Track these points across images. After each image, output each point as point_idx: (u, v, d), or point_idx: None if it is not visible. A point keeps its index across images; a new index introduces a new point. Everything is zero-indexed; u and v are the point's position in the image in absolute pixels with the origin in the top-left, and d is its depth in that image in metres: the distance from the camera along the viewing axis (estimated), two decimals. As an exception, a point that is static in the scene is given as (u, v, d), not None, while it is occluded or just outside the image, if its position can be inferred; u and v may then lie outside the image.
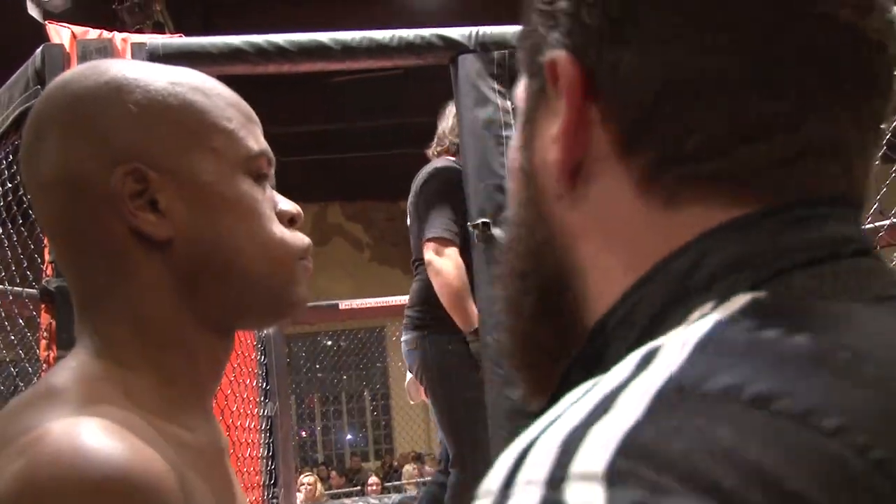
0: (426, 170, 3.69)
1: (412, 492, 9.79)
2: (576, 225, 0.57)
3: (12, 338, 3.42)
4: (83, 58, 2.79)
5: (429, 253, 3.47)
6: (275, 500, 4.20)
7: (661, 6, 0.51)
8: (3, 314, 3.50)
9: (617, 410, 0.38)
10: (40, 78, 2.83)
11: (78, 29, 2.93)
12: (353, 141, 12.11)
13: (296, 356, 14.17)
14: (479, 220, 2.86)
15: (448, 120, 3.76)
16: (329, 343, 15.42)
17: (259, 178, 0.92)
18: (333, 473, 13.84)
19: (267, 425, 4.27)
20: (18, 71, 2.99)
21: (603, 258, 0.56)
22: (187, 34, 3.21)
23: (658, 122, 0.52)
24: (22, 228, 3.29)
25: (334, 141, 12.04)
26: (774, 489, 0.33)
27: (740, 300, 0.45)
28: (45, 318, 2.77)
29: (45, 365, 2.75)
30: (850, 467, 0.35)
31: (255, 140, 0.93)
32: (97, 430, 0.70)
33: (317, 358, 15.38)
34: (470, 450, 3.45)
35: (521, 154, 0.62)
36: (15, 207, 3.26)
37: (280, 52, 2.96)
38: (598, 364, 0.51)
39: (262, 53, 2.95)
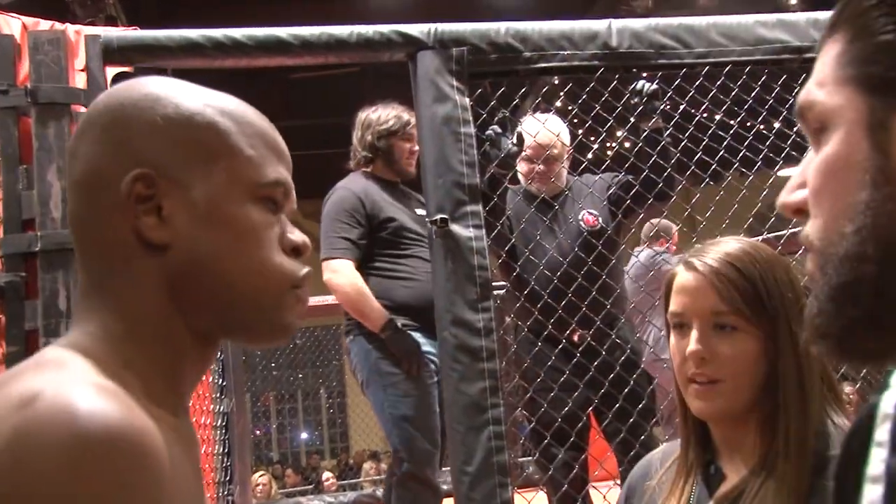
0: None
1: (369, 489, 9.88)
2: None
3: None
4: (34, 49, 2.76)
5: (326, 274, 3.57)
6: (230, 497, 4.18)
7: None
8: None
9: None
10: (-11, 70, 2.82)
11: (29, 20, 2.90)
12: (311, 138, 12.13)
13: (251, 353, 14.17)
14: (438, 217, 2.87)
15: (357, 130, 3.82)
16: (285, 340, 15.47)
17: (272, 206, 0.97)
18: (289, 471, 13.88)
19: (223, 422, 4.26)
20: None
21: None
22: (143, 28, 3.17)
23: None
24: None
25: (292, 138, 12.01)
26: None
27: None
28: (-6, 313, 2.74)
29: (-4, 360, 2.73)
30: None
31: (273, 169, 0.97)
32: (90, 390, 0.75)
33: (272, 355, 15.39)
34: (401, 444, 3.53)
35: (873, 157, 0.68)
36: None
37: (237, 47, 2.94)
38: None
39: (219, 47, 2.93)
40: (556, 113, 3.74)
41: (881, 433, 0.77)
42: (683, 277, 1.44)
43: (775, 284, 1.40)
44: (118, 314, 0.91)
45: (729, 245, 1.45)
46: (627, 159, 3.56)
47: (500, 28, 3.04)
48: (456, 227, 2.87)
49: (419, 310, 3.48)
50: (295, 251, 0.99)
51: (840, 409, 1.41)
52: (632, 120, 3.47)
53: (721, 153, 3.37)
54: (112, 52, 2.86)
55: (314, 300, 7.62)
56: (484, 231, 2.92)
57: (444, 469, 3.85)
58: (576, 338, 3.46)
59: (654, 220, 5.54)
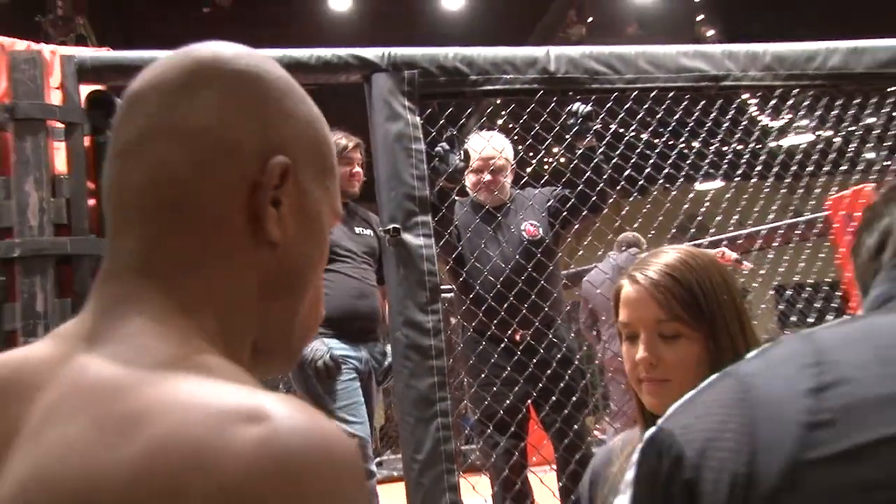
0: None
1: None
2: None
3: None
4: (14, 68, 2.79)
5: None
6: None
7: None
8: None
9: None
10: (-33, 87, 2.84)
11: (6, 40, 2.91)
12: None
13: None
14: (391, 226, 2.93)
15: None
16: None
17: None
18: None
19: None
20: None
21: None
22: (112, 48, 3.25)
23: None
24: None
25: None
26: None
27: None
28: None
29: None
30: None
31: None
32: (302, 405, 0.65)
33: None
34: None
35: None
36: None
37: None
38: None
39: None
40: (500, 131, 3.81)
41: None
42: (628, 290, 1.53)
43: (711, 288, 1.48)
44: (205, 320, 0.75)
45: (668, 256, 1.52)
46: (564, 175, 3.66)
47: (448, 53, 3.11)
48: (407, 236, 2.93)
49: (336, 320, 3.51)
50: None
51: None
52: (568, 139, 3.53)
53: (647, 170, 3.46)
54: (86, 72, 2.90)
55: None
56: (433, 239, 2.99)
57: (395, 457, 3.95)
58: (517, 337, 3.52)
59: (634, 234, 5.71)
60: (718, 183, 4.64)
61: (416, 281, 2.94)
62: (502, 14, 9.50)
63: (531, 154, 3.85)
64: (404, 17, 9.50)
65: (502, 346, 3.49)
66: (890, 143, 3.85)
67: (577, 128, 3.47)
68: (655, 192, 3.70)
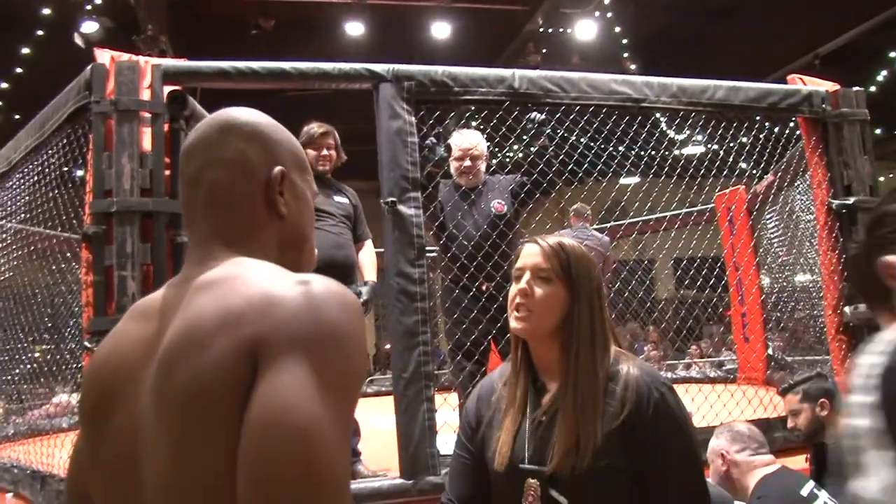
0: None
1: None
2: None
3: (63, 266, 3.47)
4: (118, 73, 2.87)
5: None
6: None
7: None
8: (58, 251, 3.57)
9: None
10: (88, 86, 2.91)
11: (115, 53, 2.99)
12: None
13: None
14: (389, 199, 2.99)
15: None
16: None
17: None
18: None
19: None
20: (73, 81, 3.07)
21: None
22: (186, 57, 3.29)
23: None
24: (71, 191, 3.37)
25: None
26: None
27: None
28: (84, 254, 2.87)
29: (84, 285, 2.85)
30: None
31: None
32: (327, 278, 0.88)
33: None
34: None
35: None
36: (67, 178, 3.33)
37: (254, 74, 3.06)
38: None
39: (241, 75, 3.05)
40: (475, 130, 3.80)
41: None
42: (527, 248, 1.63)
43: (579, 262, 1.58)
44: (254, 256, 0.98)
45: (560, 238, 1.64)
46: (523, 166, 3.73)
47: (438, 69, 3.17)
48: (402, 207, 2.99)
49: (319, 267, 3.46)
50: None
51: (617, 344, 1.60)
52: (526, 139, 3.57)
53: (585, 165, 3.55)
54: (168, 76, 2.97)
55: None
56: (421, 210, 3.04)
57: (385, 376, 3.97)
58: (483, 287, 3.52)
59: (581, 205, 5.75)
60: (637, 179, 4.74)
61: (407, 242, 2.99)
62: (478, 42, 9.54)
63: (497, 149, 3.87)
64: (403, 40, 9.48)
65: (471, 293, 3.51)
66: (755, 158, 3.99)
67: (533, 131, 3.49)
68: (591, 183, 3.76)
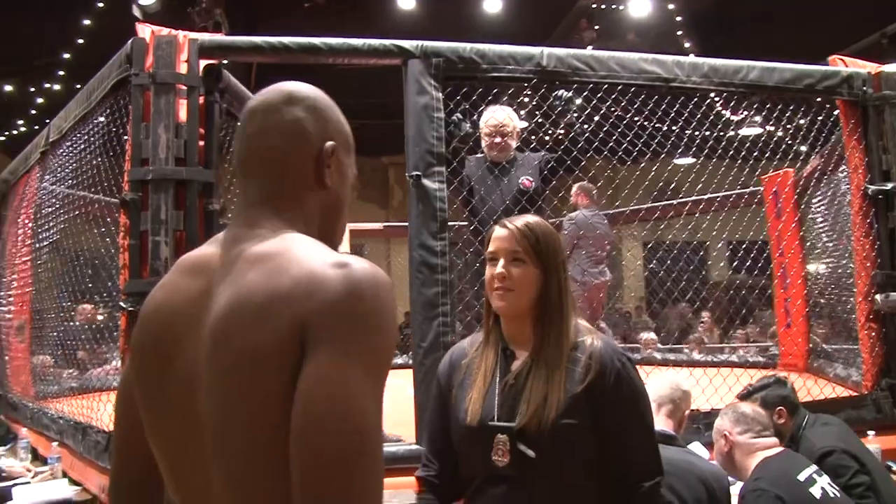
0: None
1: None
2: None
3: (102, 230, 3.66)
4: (157, 48, 3.03)
5: None
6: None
7: None
8: (98, 216, 3.78)
9: None
10: (129, 59, 3.09)
11: (156, 28, 3.15)
12: (349, 112, 12.23)
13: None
14: (414, 173, 3.07)
15: None
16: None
17: None
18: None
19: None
20: (115, 55, 3.26)
21: None
22: (238, 32, 3.42)
23: None
24: (112, 159, 3.56)
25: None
26: None
27: None
28: (122, 219, 3.05)
29: (121, 249, 3.03)
30: None
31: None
32: (365, 260, 0.99)
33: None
34: None
35: None
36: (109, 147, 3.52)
37: (286, 49, 3.17)
38: None
39: (273, 49, 3.17)
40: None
41: None
42: (498, 231, 1.77)
43: (547, 241, 1.74)
44: (300, 222, 1.08)
45: (526, 218, 1.78)
46: (548, 143, 3.78)
47: (466, 47, 3.23)
48: (426, 181, 3.07)
49: None
50: None
51: (580, 317, 1.78)
52: (553, 116, 3.61)
53: (610, 144, 3.57)
54: (204, 51, 3.11)
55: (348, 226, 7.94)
56: (445, 185, 3.11)
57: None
58: None
59: (588, 183, 5.75)
60: (690, 159, 4.75)
61: (430, 215, 3.08)
62: (531, 17, 9.47)
63: (527, 127, 3.91)
64: (455, 15, 9.51)
65: None
66: (809, 140, 3.96)
67: (560, 108, 3.54)
68: (615, 161, 3.78)
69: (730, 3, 9.17)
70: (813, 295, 5.52)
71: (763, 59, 3.61)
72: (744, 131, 5.93)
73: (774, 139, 4.10)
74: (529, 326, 1.74)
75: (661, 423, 2.45)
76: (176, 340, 1.02)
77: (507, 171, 3.76)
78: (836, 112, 3.83)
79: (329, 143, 1.10)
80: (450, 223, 3.17)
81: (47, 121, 4.71)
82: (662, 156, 3.67)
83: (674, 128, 3.61)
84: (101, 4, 8.79)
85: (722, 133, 4.28)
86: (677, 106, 3.49)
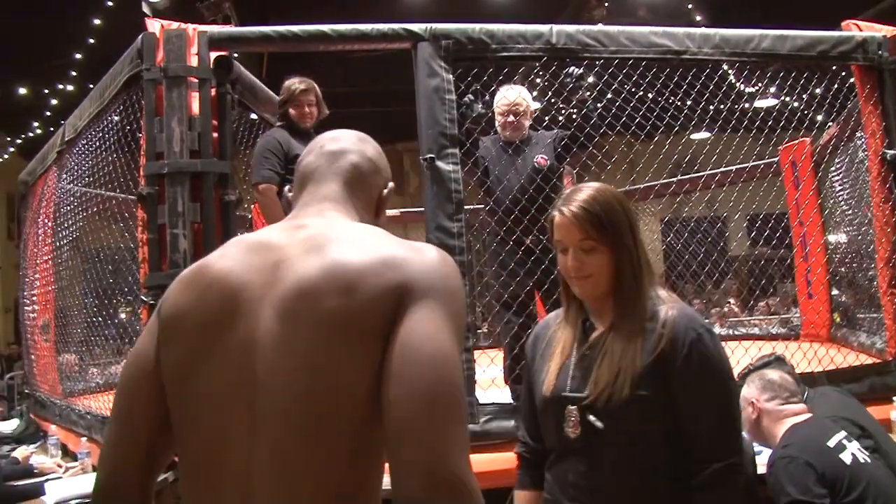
0: None
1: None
2: None
3: (120, 225, 3.70)
4: (167, 41, 3.04)
5: (255, 194, 3.67)
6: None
7: None
8: (116, 211, 3.82)
9: None
10: (140, 55, 3.11)
11: (165, 22, 3.17)
12: (363, 99, 12.20)
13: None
14: (428, 156, 3.08)
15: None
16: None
17: None
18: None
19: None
20: (127, 50, 3.28)
21: None
22: (248, 24, 3.42)
23: None
24: (128, 155, 3.59)
25: (347, 100, 12.10)
26: None
27: None
28: (140, 214, 3.09)
29: (141, 244, 3.07)
30: None
31: None
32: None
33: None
34: None
35: None
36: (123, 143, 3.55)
37: (295, 38, 3.18)
38: None
39: (283, 38, 3.17)
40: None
41: None
42: (558, 219, 1.70)
43: (613, 215, 1.66)
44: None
45: (583, 193, 1.69)
46: (560, 121, 3.75)
47: (475, 27, 3.22)
48: (440, 163, 3.09)
49: None
50: None
51: (659, 287, 1.72)
52: (564, 93, 3.58)
53: (624, 118, 3.53)
54: (214, 43, 3.13)
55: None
56: (459, 166, 3.12)
57: None
58: (527, 241, 3.49)
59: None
60: (705, 133, 4.71)
61: (446, 197, 3.09)
62: (539, -1, 9.43)
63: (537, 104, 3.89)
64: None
65: (509, 247, 3.55)
66: (825, 109, 3.92)
67: (571, 85, 3.51)
68: (628, 136, 3.76)
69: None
70: (834, 263, 5.49)
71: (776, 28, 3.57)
72: (759, 103, 5.87)
73: (789, 109, 4.05)
74: (610, 300, 1.70)
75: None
76: (239, 314, 1.04)
77: (522, 150, 3.74)
78: (850, 80, 3.78)
79: (391, 185, 1.28)
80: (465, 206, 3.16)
81: (62, 122, 4.75)
82: (681, 128, 3.63)
83: (688, 101, 3.56)
84: (110, 3, 8.83)
85: (736, 105, 4.24)
86: (689, 78, 3.45)
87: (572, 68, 3.47)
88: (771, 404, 2.59)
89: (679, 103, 3.55)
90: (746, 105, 5.05)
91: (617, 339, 1.63)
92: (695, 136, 4.82)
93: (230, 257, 1.10)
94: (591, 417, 1.61)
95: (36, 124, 12.45)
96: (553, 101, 3.68)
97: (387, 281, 1.00)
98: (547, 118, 3.86)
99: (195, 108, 3.07)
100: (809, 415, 2.58)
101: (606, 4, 9.31)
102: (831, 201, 5.29)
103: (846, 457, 2.32)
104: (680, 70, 3.48)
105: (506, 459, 2.84)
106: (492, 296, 3.66)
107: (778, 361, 3.00)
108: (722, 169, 5.76)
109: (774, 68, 3.76)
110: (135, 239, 3.32)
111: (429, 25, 3.20)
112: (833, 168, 5.07)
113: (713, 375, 1.61)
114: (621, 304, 1.66)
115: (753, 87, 5.26)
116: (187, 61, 3.06)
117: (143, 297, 2.99)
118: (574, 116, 3.58)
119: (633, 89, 3.45)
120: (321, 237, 1.08)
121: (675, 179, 6.79)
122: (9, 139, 13.79)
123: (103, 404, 3.78)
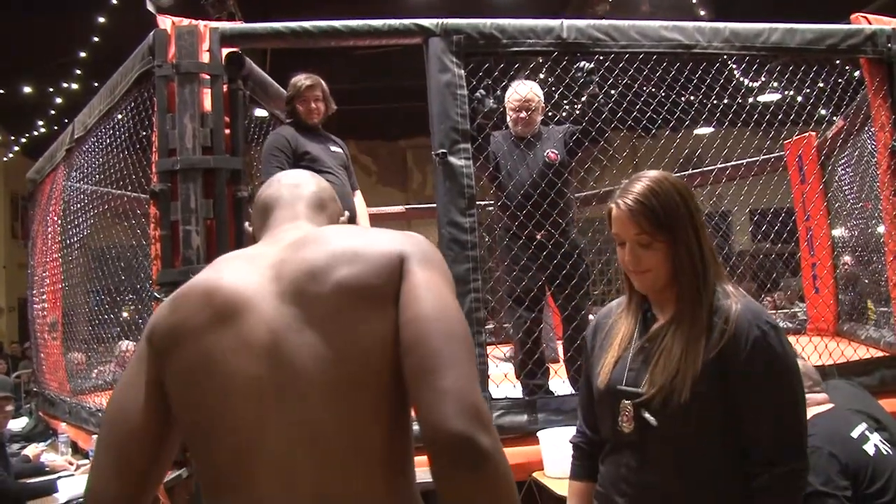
0: None
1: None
2: None
3: (132, 222, 3.70)
4: (178, 38, 3.04)
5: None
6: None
7: None
8: (128, 208, 3.83)
9: None
10: (152, 51, 3.11)
11: (176, 19, 3.17)
12: (366, 97, 12.19)
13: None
14: (440, 151, 3.08)
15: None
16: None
17: None
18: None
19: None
20: (137, 48, 3.28)
21: None
22: (251, 21, 3.43)
23: None
24: (140, 155, 3.59)
25: (356, 96, 12.10)
26: None
27: None
28: (152, 210, 3.09)
29: (153, 240, 3.07)
30: None
31: None
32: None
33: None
34: None
35: None
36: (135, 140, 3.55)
37: (307, 34, 3.18)
38: None
39: (294, 34, 3.18)
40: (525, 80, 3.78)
41: None
42: (615, 212, 1.63)
43: (670, 207, 1.56)
44: None
45: (640, 185, 1.60)
46: (572, 115, 3.74)
47: (486, 23, 3.22)
48: (452, 159, 3.09)
49: None
50: None
51: (726, 281, 1.62)
52: (575, 87, 3.57)
53: (634, 114, 3.53)
54: (225, 38, 3.13)
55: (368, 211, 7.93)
56: (471, 161, 3.12)
57: None
58: (538, 236, 3.48)
59: None
60: (710, 129, 4.70)
61: (458, 192, 3.09)
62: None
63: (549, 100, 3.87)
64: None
65: (521, 241, 3.56)
66: (833, 103, 3.91)
67: (582, 80, 3.50)
68: (640, 131, 3.74)
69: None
70: (841, 258, 5.49)
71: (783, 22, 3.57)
72: (764, 98, 5.87)
73: (797, 102, 4.05)
74: (672, 292, 1.62)
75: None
76: (244, 306, 1.08)
77: (533, 144, 3.73)
78: (856, 73, 3.78)
79: (347, 214, 1.41)
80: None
81: (66, 121, 4.76)
82: (686, 124, 3.61)
83: (692, 97, 3.57)
84: (114, 1, 8.83)
85: (741, 101, 4.23)
86: (696, 72, 3.45)
87: (583, 62, 3.47)
88: None
89: (685, 98, 3.55)
90: (751, 100, 5.05)
91: (677, 335, 1.56)
92: (700, 132, 4.80)
93: (220, 269, 1.15)
94: (646, 414, 1.55)
95: (40, 123, 12.45)
96: (564, 95, 3.67)
97: (387, 250, 1.10)
98: (554, 114, 3.84)
99: (207, 104, 3.07)
100: (832, 405, 2.55)
101: (609, 0, 9.30)
102: (839, 196, 5.28)
103: (869, 448, 2.30)
104: (689, 64, 3.47)
105: (519, 454, 2.90)
106: (503, 291, 3.65)
107: None
108: (730, 164, 5.76)
109: (783, 62, 3.75)
110: (144, 236, 3.32)
111: (440, 21, 3.19)
112: (841, 162, 5.06)
113: (777, 374, 1.52)
114: (682, 299, 1.59)
115: (757, 81, 5.25)
116: (199, 58, 3.06)
117: (155, 294, 2.99)
118: (585, 110, 3.56)
119: (637, 84, 3.44)
120: (310, 237, 1.17)
121: (682, 174, 6.77)
122: (13, 138, 13.79)
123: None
